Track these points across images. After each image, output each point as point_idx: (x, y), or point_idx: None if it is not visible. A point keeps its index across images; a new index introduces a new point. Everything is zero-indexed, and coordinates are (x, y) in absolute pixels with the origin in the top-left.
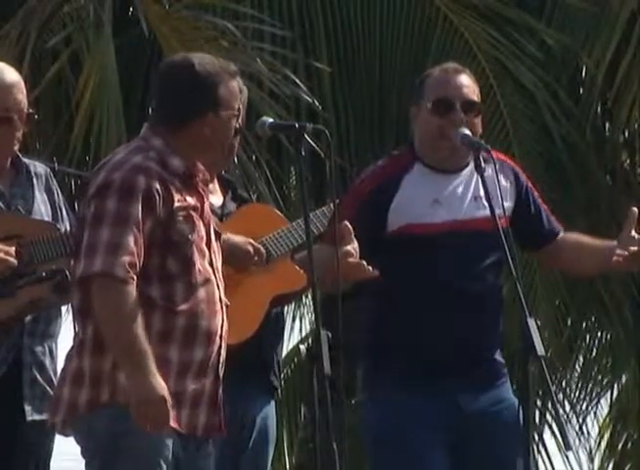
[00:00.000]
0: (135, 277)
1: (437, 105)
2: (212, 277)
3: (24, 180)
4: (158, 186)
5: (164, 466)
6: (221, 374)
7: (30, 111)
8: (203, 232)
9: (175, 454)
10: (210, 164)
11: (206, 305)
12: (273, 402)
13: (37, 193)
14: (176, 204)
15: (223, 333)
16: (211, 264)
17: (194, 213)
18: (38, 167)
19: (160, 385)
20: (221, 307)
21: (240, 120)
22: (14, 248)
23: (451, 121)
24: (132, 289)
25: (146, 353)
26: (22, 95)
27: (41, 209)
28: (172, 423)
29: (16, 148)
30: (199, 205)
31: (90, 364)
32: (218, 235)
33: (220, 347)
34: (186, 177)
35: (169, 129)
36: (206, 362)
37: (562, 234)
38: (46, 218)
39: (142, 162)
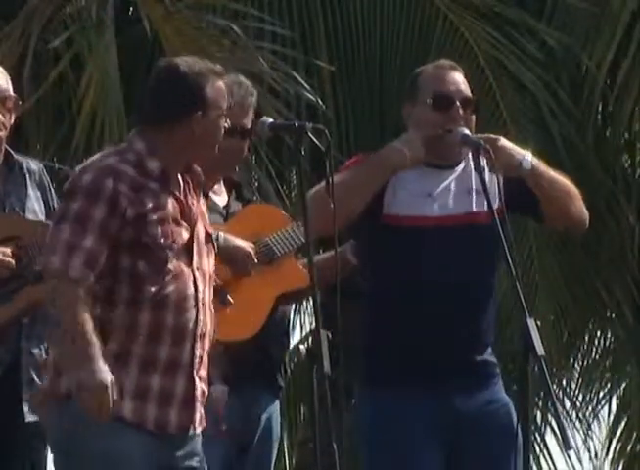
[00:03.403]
0: (91, 277)
1: (438, 100)
2: (188, 276)
3: (17, 178)
4: (126, 189)
5: (130, 466)
6: (200, 374)
7: (14, 95)
8: (183, 234)
9: (150, 455)
10: (215, 168)
11: (175, 302)
12: (277, 402)
13: (30, 190)
14: (148, 207)
15: (199, 332)
16: (191, 265)
17: (172, 216)
18: (32, 164)
19: (102, 373)
20: (198, 307)
21: (243, 122)
22: (10, 249)
23: (451, 117)
24: (83, 289)
25: (90, 344)
26: (2, 81)
27: (35, 206)
28: (129, 415)
29: (1, 134)
30: (179, 207)
31: (53, 354)
32: (210, 236)
33: (194, 346)
34: (163, 179)
35: (157, 131)
36: (177, 361)
37: None
38: (40, 216)
39: (114, 164)
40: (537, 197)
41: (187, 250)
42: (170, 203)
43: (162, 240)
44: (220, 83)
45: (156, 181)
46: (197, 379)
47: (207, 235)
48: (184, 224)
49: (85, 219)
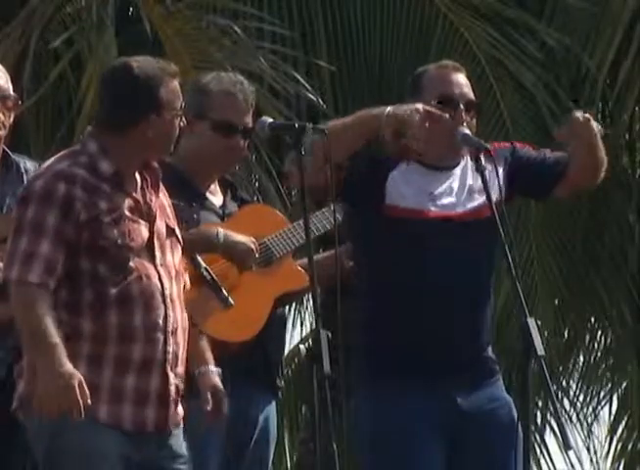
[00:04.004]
0: (52, 283)
1: (442, 103)
2: (152, 273)
3: (15, 177)
4: (80, 193)
5: (106, 465)
6: (175, 370)
7: (14, 94)
8: (143, 232)
9: (125, 455)
10: (215, 167)
11: (141, 300)
12: (274, 402)
13: None
14: (101, 209)
15: (169, 328)
16: (154, 261)
17: (129, 215)
18: (28, 164)
19: (70, 373)
20: (166, 303)
21: (247, 121)
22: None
23: (455, 120)
24: (46, 293)
25: (56, 346)
26: (2, 80)
27: None
28: (105, 417)
29: (1, 133)
30: (136, 205)
31: (26, 361)
32: (173, 230)
33: (166, 342)
34: (116, 180)
35: (111, 132)
36: (150, 359)
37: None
38: None
39: (66, 168)
40: (536, 175)
41: (148, 247)
42: (125, 202)
43: (120, 240)
44: (175, 83)
45: (108, 182)
46: (171, 376)
47: (170, 230)
48: (142, 222)
49: (40, 226)
